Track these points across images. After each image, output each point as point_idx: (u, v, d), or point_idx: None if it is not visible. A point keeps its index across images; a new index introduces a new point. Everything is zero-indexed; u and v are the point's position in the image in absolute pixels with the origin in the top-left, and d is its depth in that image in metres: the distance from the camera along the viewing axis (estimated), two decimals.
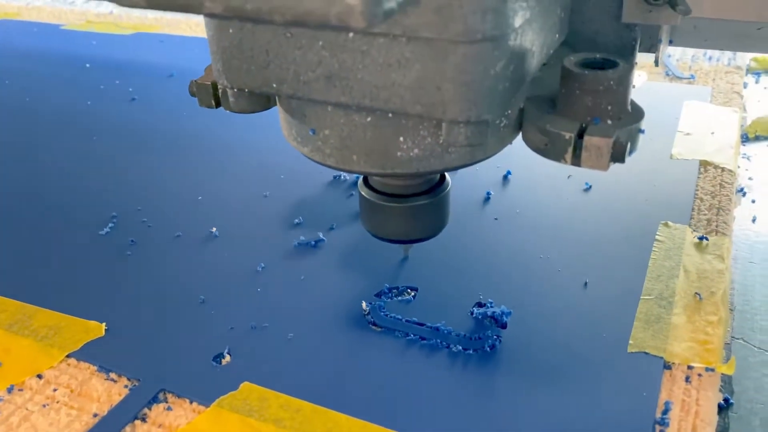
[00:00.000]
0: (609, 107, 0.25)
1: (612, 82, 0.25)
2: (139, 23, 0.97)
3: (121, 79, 0.75)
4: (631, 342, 0.35)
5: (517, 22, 0.24)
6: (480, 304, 0.38)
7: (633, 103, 0.27)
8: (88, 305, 0.40)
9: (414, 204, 0.33)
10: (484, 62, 0.23)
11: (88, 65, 0.80)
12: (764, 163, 0.56)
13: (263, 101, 0.29)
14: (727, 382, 0.34)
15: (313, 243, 0.45)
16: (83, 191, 0.53)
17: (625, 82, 0.25)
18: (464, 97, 0.23)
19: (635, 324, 0.36)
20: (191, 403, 0.33)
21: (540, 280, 0.40)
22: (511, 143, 0.29)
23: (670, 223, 0.44)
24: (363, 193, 0.34)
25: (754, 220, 0.47)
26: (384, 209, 0.33)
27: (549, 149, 0.26)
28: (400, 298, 0.39)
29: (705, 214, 0.45)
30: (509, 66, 0.24)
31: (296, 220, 0.47)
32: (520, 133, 0.28)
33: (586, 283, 0.39)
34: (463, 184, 0.49)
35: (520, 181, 0.51)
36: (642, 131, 0.26)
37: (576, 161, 0.25)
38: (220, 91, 0.30)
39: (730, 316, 0.38)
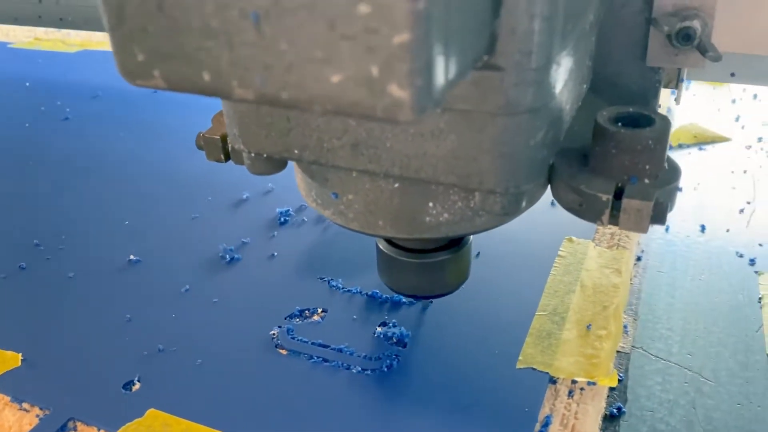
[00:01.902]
0: (647, 166, 0.24)
1: (650, 142, 0.24)
2: (86, 40, 0.97)
3: (63, 99, 0.76)
4: (520, 358, 0.36)
5: (558, 88, 0.23)
6: (384, 324, 0.39)
7: (669, 160, 0.25)
8: (5, 335, 0.41)
9: (435, 260, 0.32)
10: (524, 133, 0.22)
11: (27, 84, 0.81)
12: (684, 173, 0.58)
13: (282, 163, 0.28)
14: (623, 391, 0.36)
15: (228, 259, 0.46)
16: (4, 219, 0.53)
17: (663, 141, 0.24)
18: (502, 168, 0.23)
19: (527, 340, 0.37)
20: (99, 430, 0.35)
21: (444, 298, 0.39)
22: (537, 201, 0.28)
23: (574, 238, 0.45)
24: (381, 246, 0.33)
25: (667, 230, 0.49)
26: (403, 265, 0.32)
27: (584, 210, 0.24)
28: (310, 320, 0.40)
29: (610, 228, 0.47)
30: (548, 133, 0.23)
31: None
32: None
33: (485, 301, 0.41)
34: None
35: None
36: (680, 189, 0.26)
37: (613, 221, 0.24)
38: (230, 146, 0.29)
39: (635, 325, 0.40)
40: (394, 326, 0.39)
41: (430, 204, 0.26)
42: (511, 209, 0.24)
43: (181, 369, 0.38)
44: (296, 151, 0.25)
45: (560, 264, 0.43)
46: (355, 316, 0.40)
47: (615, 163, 0.24)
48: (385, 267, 0.34)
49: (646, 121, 0.25)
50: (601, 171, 0.25)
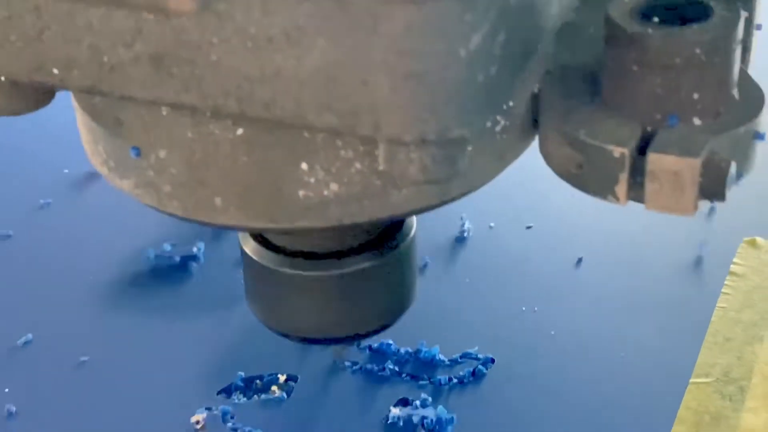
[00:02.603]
0: (695, 95, 0.24)
1: (699, 50, 0.23)
2: None
3: None
4: None
5: None
6: (404, 402, 0.39)
7: (745, 82, 0.25)
8: None
9: (348, 270, 0.33)
10: (447, 34, 0.22)
11: None
12: None
13: (39, 94, 0.28)
14: None
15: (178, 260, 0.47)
16: None
17: (726, 48, 0.24)
18: (413, 98, 0.22)
19: (675, 429, 0.36)
20: None
21: (518, 350, 0.40)
22: (519, 156, 0.28)
23: (759, 240, 0.45)
24: (248, 251, 0.34)
25: None
26: (289, 282, 0.33)
27: (586, 175, 0.25)
28: (264, 395, 0.40)
29: None
30: (497, 34, 0.23)
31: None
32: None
33: (595, 356, 0.40)
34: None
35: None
36: (761, 136, 0.25)
37: (636, 196, 0.24)
38: None
39: None
40: (425, 405, 0.39)
41: (304, 165, 0.26)
42: (439, 173, 0.24)
43: None
44: (56, 71, 0.26)
45: (735, 288, 0.43)
46: (348, 388, 0.40)
47: (640, 90, 0.24)
48: (253, 288, 0.35)
49: (696, 11, 0.24)
50: (617, 105, 0.25)
